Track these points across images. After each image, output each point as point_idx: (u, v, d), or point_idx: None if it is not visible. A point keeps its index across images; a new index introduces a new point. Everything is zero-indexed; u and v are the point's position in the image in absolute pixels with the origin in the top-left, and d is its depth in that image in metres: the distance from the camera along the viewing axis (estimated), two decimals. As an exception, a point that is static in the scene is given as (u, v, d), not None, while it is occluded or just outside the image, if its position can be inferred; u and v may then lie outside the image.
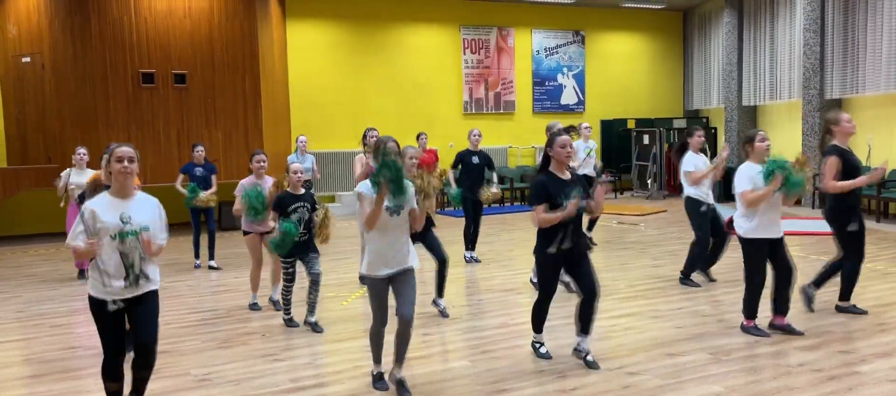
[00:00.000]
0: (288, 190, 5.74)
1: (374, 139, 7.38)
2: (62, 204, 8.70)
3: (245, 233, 6.85)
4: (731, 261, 8.52)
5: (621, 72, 17.33)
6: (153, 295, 3.85)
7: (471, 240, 8.79)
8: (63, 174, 8.60)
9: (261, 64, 12.15)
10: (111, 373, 3.85)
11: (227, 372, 4.91)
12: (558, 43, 16.58)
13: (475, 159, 8.75)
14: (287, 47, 13.88)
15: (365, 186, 4.15)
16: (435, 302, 6.22)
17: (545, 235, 4.62)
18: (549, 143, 4.61)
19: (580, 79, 16.90)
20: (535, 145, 16.39)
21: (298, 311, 6.12)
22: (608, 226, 11.49)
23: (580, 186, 4.57)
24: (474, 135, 8.91)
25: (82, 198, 5.47)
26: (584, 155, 9.24)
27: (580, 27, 16.79)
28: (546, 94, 16.52)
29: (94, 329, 4.99)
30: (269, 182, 6.52)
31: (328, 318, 6.23)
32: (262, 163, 6.58)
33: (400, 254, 4.21)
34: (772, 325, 5.44)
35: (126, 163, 3.68)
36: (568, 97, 16.79)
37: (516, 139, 16.26)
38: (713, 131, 16.88)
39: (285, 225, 5.53)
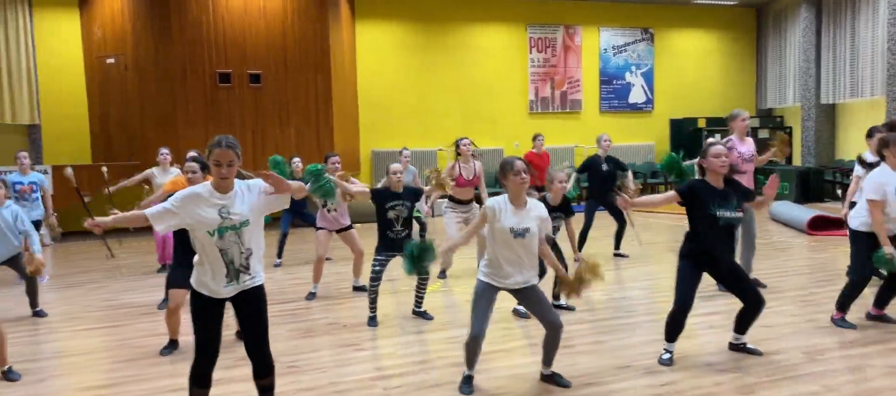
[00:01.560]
0: (386, 187, 5.83)
1: (467, 147, 7.43)
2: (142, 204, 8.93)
3: (317, 229, 7.01)
4: (816, 262, 8.24)
5: (691, 70, 16.95)
6: (257, 292, 3.62)
7: (616, 239, 8.76)
8: (146, 173, 8.85)
9: (331, 64, 12.35)
10: (198, 378, 3.61)
11: (314, 360, 4.99)
12: (626, 41, 16.33)
13: (605, 166, 8.71)
14: (356, 47, 14.07)
15: (496, 202, 4.13)
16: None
17: (691, 239, 4.56)
18: (703, 154, 4.51)
19: (649, 77, 16.61)
20: (603, 145, 16.15)
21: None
22: (678, 226, 11.24)
23: (737, 197, 4.50)
24: (604, 141, 8.80)
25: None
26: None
27: (649, 25, 16.51)
28: (614, 93, 16.29)
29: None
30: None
31: (407, 311, 6.27)
32: (336, 164, 6.69)
33: (521, 275, 4.15)
34: (869, 315, 5.49)
35: (224, 169, 3.48)
36: (636, 96, 16.52)
37: (582, 138, 16.08)
38: (788, 130, 16.35)
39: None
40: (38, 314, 6.54)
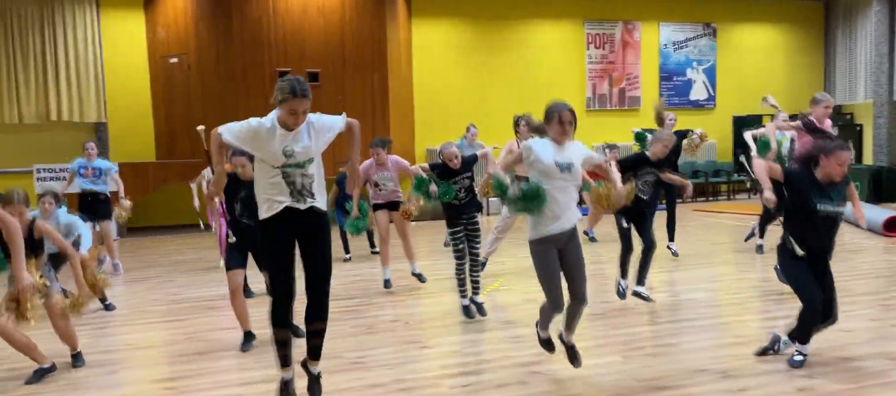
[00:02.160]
0: (443, 163, 5.82)
1: (526, 128, 7.32)
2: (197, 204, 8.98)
3: (375, 208, 6.98)
4: (893, 264, 7.87)
5: (755, 65, 16.43)
6: (322, 221, 3.75)
7: (669, 230, 8.48)
8: (204, 172, 8.88)
9: (388, 62, 12.36)
10: (276, 317, 3.73)
11: (379, 357, 4.96)
12: (687, 36, 15.93)
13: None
14: (412, 45, 14.07)
15: (534, 141, 4.12)
16: (636, 292, 6.00)
17: (793, 235, 4.39)
18: (826, 152, 4.28)
19: (711, 73, 16.17)
20: (662, 143, 15.79)
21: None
22: (740, 226, 10.88)
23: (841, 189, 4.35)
24: (670, 120, 8.63)
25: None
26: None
27: (711, 20, 16.06)
28: (674, 90, 15.91)
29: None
30: None
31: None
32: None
33: (566, 217, 4.03)
34: None
35: (300, 117, 3.63)
36: (698, 92, 16.10)
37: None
38: (858, 128, 15.71)
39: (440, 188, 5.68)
40: (108, 307, 6.70)
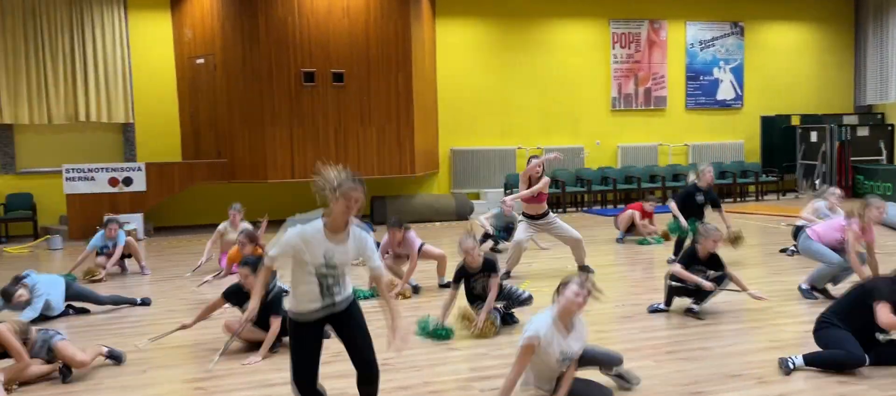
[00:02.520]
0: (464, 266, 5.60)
1: (534, 169, 7.33)
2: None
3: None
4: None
5: (784, 64, 16.19)
6: (353, 305, 3.69)
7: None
8: (219, 228, 8.73)
9: (412, 62, 12.34)
10: (303, 392, 3.64)
11: (407, 359, 4.92)
12: (714, 35, 15.74)
13: (700, 197, 8.15)
14: (436, 45, 14.03)
15: (541, 328, 3.79)
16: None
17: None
18: None
19: (738, 72, 15.96)
20: (688, 143, 15.64)
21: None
22: (776, 228, 10.73)
23: None
24: (708, 172, 8.30)
25: (228, 296, 5.43)
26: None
27: (738, 18, 15.86)
28: (700, 89, 15.73)
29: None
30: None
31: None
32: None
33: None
34: None
35: (353, 208, 3.49)
36: (725, 92, 15.90)
37: (667, 137, 15.59)
38: (889, 128, 15.42)
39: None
40: (144, 302, 6.78)
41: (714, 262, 5.75)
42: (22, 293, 6.13)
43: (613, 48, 15.11)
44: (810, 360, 4.40)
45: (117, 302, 6.86)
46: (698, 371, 4.48)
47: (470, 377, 4.54)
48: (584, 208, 14.16)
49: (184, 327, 5.39)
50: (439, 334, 5.36)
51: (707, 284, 5.54)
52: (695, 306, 5.77)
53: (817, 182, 14.63)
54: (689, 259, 5.77)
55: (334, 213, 3.51)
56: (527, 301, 5.68)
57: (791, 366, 4.37)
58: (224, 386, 4.52)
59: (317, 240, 3.51)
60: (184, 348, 5.42)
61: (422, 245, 7.09)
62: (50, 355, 4.76)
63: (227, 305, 5.45)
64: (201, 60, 12.17)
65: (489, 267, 5.56)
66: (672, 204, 8.09)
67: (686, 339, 5.21)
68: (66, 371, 4.68)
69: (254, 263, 5.27)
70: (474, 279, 5.58)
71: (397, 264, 7.17)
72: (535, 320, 3.85)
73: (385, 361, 4.84)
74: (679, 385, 4.21)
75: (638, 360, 4.76)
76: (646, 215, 10.01)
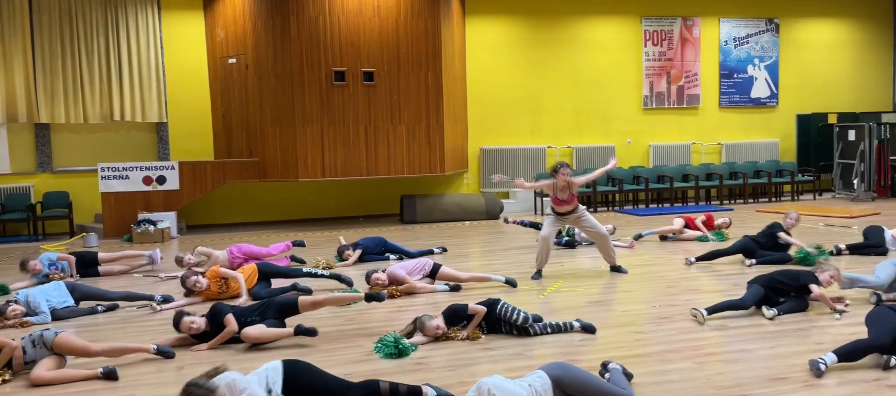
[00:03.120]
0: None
1: (565, 176, 7.34)
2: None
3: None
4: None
5: (820, 62, 15.86)
6: None
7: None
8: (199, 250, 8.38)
9: (442, 61, 12.31)
10: None
11: (440, 358, 4.88)
12: (749, 32, 15.46)
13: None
14: (465, 44, 13.98)
15: None
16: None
17: None
18: None
19: (773, 70, 15.66)
20: (722, 142, 15.39)
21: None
22: (813, 228, 10.49)
23: None
24: (791, 218, 8.21)
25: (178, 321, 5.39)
26: None
27: (774, 15, 15.57)
28: (734, 87, 15.47)
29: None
30: None
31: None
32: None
33: None
34: None
35: None
36: (759, 90, 15.62)
37: (700, 135, 15.35)
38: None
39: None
40: (166, 300, 6.82)
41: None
42: (15, 308, 6.17)
43: (645, 46, 14.92)
44: (841, 354, 4.33)
45: (131, 297, 6.84)
46: (741, 373, 4.37)
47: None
48: (616, 208, 14.00)
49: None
50: (402, 349, 4.99)
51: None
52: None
53: (856, 181, 14.30)
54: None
55: None
56: (524, 324, 5.31)
57: (823, 368, 4.26)
58: (259, 384, 4.51)
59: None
60: (219, 348, 5.42)
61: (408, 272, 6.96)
62: (48, 352, 4.77)
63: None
64: (233, 60, 12.26)
65: (459, 316, 5.34)
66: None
67: (726, 341, 5.09)
68: (109, 371, 4.69)
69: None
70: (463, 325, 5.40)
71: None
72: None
73: (420, 361, 4.83)
74: (722, 388, 4.11)
75: (678, 362, 4.67)
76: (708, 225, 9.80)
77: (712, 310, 5.58)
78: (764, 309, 5.61)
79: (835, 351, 4.35)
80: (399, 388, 3.91)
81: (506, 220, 10.74)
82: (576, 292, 6.80)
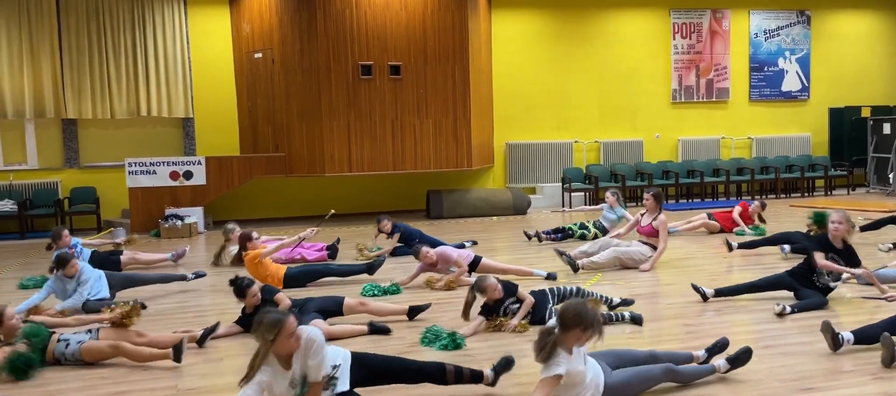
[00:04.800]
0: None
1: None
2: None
3: None
4: None
5: (853, 54, 15.55)
6: None
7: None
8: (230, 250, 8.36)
9: (469, 55, 12.17)
10: None
11: (486, 351, 4.75)
12: (780, 24, 15.18)
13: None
14: (491, 38, 13.83)
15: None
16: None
17: None
18: None
19: (804, 63, 15.37)
20: (752, 136, 15.12)
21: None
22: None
23: None
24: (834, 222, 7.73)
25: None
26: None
27: (805, 7, 15.27)
28: (765, 80, 15.19)
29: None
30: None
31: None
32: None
33: None
34: None
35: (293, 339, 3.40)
36: (790, 83, 15.33)
37: (730, 129, 15.10)
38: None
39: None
40: (198, 275, 6.91)
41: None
42: (74, 264, 6.16)
43: (674, 39, 14.70)
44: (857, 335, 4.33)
45: (166, 279, 6.86)
46: (803, 366, 4.20)
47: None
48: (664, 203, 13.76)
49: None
50: (459, 342, 4.87)
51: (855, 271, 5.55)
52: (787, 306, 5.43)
53: (891, 176, 13.99)
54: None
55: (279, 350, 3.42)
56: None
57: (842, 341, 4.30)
58: (302, 376, 4.40)
59: (275, 377, 3.45)
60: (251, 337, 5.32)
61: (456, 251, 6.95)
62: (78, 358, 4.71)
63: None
64: (259, 55, 12.20)
65: (511, 291, 5.27)
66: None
67: (782, 334, 4.91)
68: (179, 351, 4.63)
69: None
70: (504, 308, 5.29)
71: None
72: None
73: (466, 353, 4.69)
74: (787, 381, 3.94)
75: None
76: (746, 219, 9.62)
77: (721, 292, 5.68)
78: (775, 305, 5.39)
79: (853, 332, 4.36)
80: (463, 372, 3.81)
81: (539, 238, 9.35)
82: (616, 285, 6.63)
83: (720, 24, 14.88)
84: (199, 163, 11.76)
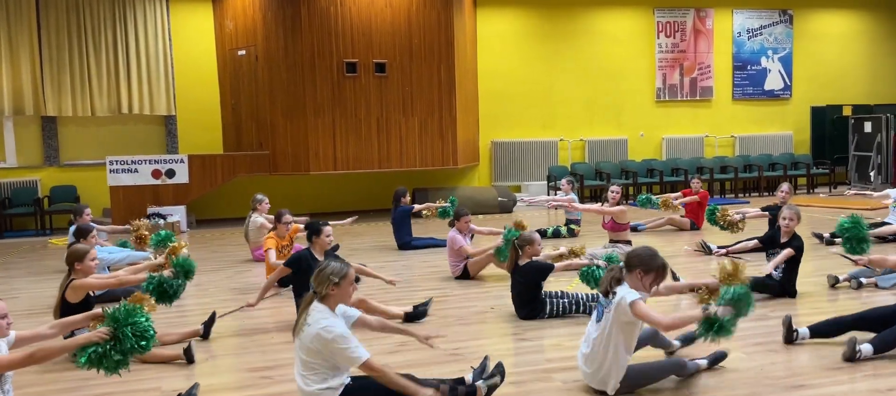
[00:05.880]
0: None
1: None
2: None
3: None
4: None
5: (834, 53, 15.69)
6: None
7: None
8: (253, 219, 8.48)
9: (455, 52, 12.12)
10: None
11: (476, 349, 4.71)
12: (762, 23, 15.29)
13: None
14: (477, 36, 13.79)
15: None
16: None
17: None
18: None
19: (787, 62, 15.49)
20: (735, 134, 15.22)
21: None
22: (832, 220, 10.29)
23: None
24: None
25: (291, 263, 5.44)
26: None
27: (787, 6, 15.39)
28: (748, 79, 15.30)
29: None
30: None
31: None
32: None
33: None
34: None
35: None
36: (773, 82, 15.45)
37: (713, 128, 15.19)
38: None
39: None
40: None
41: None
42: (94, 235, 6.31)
43: (658, 37, 14.75)
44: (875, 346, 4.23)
45: (132, 262, 6.75)
46: (794, 362, 4.20)
47: (548, 368, 4.31)
48: (630, 201, 13.81)
49: (250, 306, 5.33)
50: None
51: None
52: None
53: (872, 174, 14.14)
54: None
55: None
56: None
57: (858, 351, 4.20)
58: (291, 374, 4.33)
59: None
60: (246, 337, 5.25)
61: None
62: None
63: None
64: (243, 52, 12.08)
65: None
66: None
67: (770, 331, 4.91)
68: (189, 353, 4.60)
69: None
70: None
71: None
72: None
73: (454, 351, 4.65)
74: (779, 379, 3.93)
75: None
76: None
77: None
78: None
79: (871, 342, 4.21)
80: (458, 391, 3.66)
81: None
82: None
83: (704, 22, 14.95)
84: (182, 161, 11.62)
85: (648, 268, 3.65)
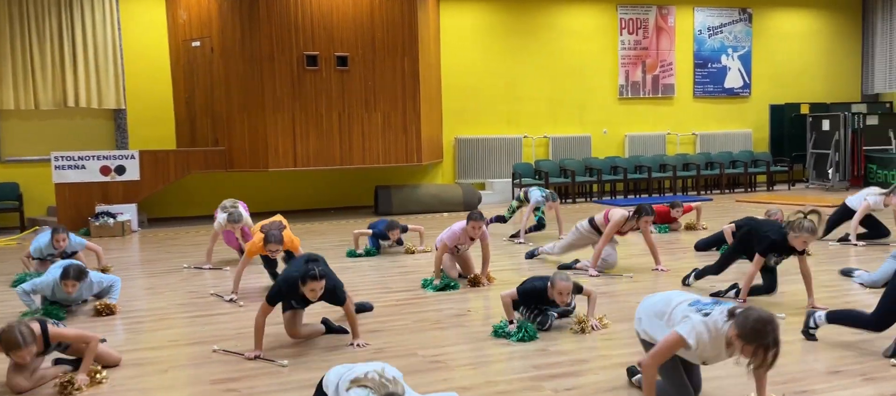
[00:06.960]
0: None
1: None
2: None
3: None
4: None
5: (793, 52, 15.88)
6: None
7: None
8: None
9: (419, 47, 11.84)
10: None
11: (457, 355, 4.45)
12: (723, 22, 15.38)
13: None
14: (440, 30, 13.52)
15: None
16: None
17: None
18: None
19: (746, 60, 15.62)
20: (696, 132, 15.28)
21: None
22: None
23: None
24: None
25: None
26: None
27: (747, 5, 15.51)
28: (708, 77, 15.37)
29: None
30: None
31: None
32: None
33: None
34: None
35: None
36: (732, 80, 15.55)
37: (676, 125, 15.22)
38: (900, 117, 15.16)
39: None
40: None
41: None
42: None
43: (621, 34, 14.70)
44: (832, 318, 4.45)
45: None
46: (791, 367, 4.04)
47: (535, 376, 4.07)
48: (594, 198, 13.74)
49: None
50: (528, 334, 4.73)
51: None
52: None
53: (830, 171, 14.33)
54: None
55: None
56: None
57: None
58: (258, 388, 4.01)
59: None
60: (205, 344, 4.88)
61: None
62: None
63: None
64: (197, 43, 11.57)
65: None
66: None
67: (782, 333, 4.75)
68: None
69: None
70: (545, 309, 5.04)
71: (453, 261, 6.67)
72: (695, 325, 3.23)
73: (434, 358, 4.39)
74: (775, 384, 3.76)
75: (715, 355, 4.32)
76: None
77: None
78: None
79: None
80: None
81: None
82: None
83: (666, 20, 14.96)
84: (133, 156, 11.08)
85: (758, 344, 3.04)
